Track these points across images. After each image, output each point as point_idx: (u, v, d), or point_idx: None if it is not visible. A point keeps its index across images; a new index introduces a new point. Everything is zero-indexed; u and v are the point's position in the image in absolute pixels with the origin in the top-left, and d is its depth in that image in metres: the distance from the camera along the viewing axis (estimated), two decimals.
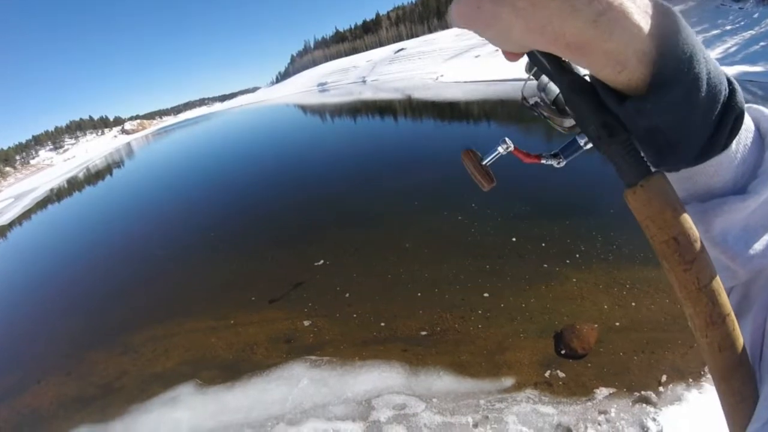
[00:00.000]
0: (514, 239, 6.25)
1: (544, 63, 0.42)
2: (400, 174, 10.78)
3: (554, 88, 0.48)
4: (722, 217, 0.43)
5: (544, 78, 0.47)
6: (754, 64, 24.04)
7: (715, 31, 35.93)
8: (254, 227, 9.86)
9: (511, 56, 0.42)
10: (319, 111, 39.70)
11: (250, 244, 8.90)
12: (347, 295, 5.88)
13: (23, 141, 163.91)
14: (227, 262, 8.15)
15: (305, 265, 6.94)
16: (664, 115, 0.36)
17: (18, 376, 6.67)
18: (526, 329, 4.53)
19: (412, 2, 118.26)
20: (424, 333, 4.82)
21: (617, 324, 4.29)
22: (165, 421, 4.68)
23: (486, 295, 5.20)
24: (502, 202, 7.41)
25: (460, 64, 42.87)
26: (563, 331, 4.34)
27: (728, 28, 36.47)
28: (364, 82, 67.39)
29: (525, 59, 0.44)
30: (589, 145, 0.46)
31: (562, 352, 4.16)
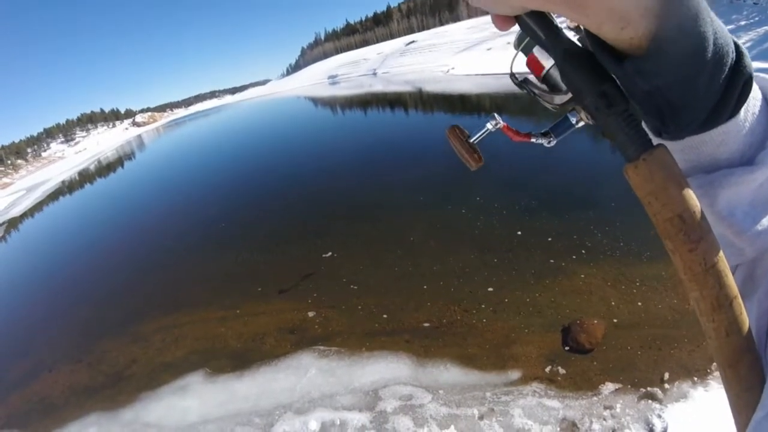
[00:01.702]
0: (520, 233, 6.23)
1: (536, 31, 0.40)
2: (409, 167, 10.74)
3: (545, 63, 0.45)
4: (729, 190, 0.40)
5: (535, 52, 0.45)
6: None
7: (729, 27, 35.24)
8: (264, 219, 9.92)
9: (502, 22, 0.40)
10: (329, 103, 39.57)
11: (259, 235, 8.95)
12: (355, 287, 5.91)
13: (34, 134, 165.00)
14: (237, 253, 8.20)
15: (314, 257, 6.97)
16: (666, 76, 0.34)
17: (30, 364, 6.80)
18: (533, 323, 4.52)
19: None
20: (431, 325, 4.84)
21: (624, 320, 4.27)
22: (174, 409, 4.74)
23: (493, 288, 5.20)
24: (507, 195, 7.40)
25: (471, 56, 42.48)
26: (570, 325, 4.32)
27: (743, 23, 35.85)
28: (374, 74, 67.01)
29: (515, 32, 0.43)
30: (581, 123, 0.44)
31: (569, 346, 4.15)
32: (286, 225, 9.12)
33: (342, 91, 51.16)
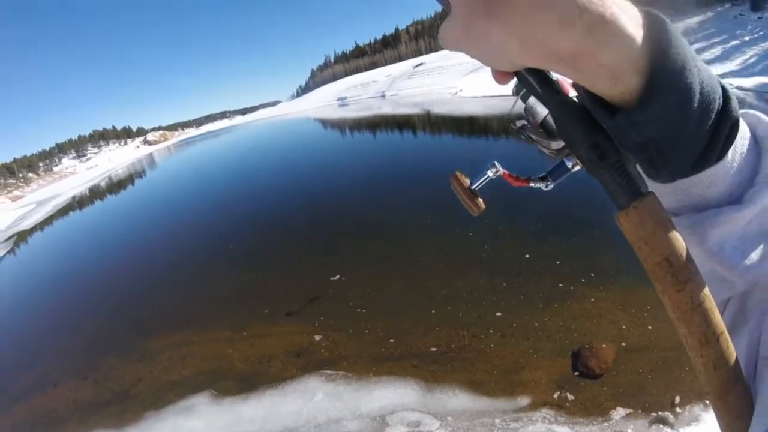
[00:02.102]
0: (528, 256, 6.20)
1: (533, 84, 0.41)
2: (416, 189, 10.77)
3: (541, 111, 0.48)
4: (718, 228, 0.42)
5: (532, 100, 0.48)
6: None
7: (734, 42, 35.32)
8: (273, 240, 9.96)
9: (502, 77, 0.42)
10: (338, 125, 39.98)
11: (268, 256, 8.98)
12: (363, 310, 5.89)
13: (47, 148, 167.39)
14: (246, 275, 8.22)
15: (322, 280, 6.96)
16: (656, 127, 0.36)
17: (36, 376, 6.83)
18: (543, 348, 4.48)
19: (431, 17, 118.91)
20: (439, 350, 4.80)
21: (635, 343, 4.22)
22: (179, 430, 4.71)
23: (501, 312, 5.17)
24: (515, 218, 7.35)
25: (478, 78, 42.83)
26: (580, 350, 4.28)
27: (747, 38, 35.85)
28: (383, 96, 67.71)
29: (513, 82, 0.44)
30: (577, 167, 0.46)
31: (579, 371, 4.10)
32: (294, 246, 9.14)
33: (351, 113, 51.69)
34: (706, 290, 0.38)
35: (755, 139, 0.44)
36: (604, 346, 4.23)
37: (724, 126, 0.37)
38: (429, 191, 10.21)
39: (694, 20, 47.73)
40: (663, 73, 0.34)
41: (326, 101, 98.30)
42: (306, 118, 65.21)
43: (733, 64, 29.58)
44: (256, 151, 36.36)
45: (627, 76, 0.34)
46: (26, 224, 32.74)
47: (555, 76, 0.41)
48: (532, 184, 0.49)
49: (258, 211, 13.17)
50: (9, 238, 27.72)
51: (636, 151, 0.39)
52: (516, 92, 0.47)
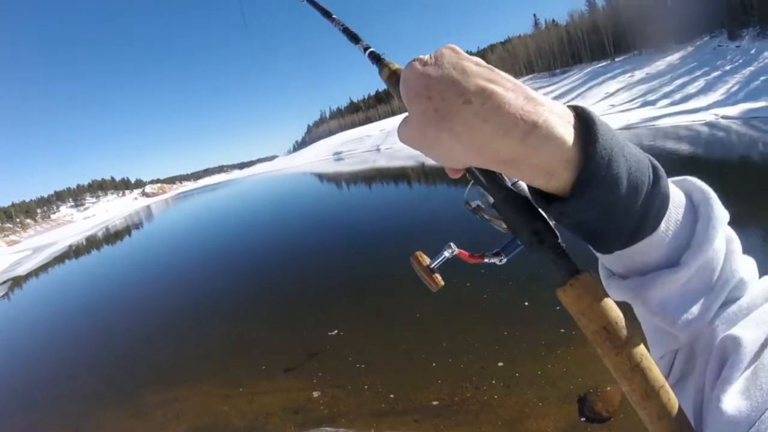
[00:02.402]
0: (526, 303, 6.16)
1: (480, 179, 0.48)
2: (412, 241, 10.77)
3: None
4: (658, 289, 0.45)
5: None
6: (757, 99, 24.26)
7: (716, 73, 36.31)
8: (270, 295, 9.85)
9: (453, 172, 0.47)
10: (334, 179, 40.44)
11: (264, 311, 8.89)
12: (362, 365, 5.78)
13: (45, 195, 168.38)
14: (242, 330, 8.12)
15: (319, 335, 6.85)
16: (586, 214, 0.41)
17: (23, 428, 6.65)
18: (548, 395, 4.38)
19: None
20: (441, 403, 4.68)
21: None
22: None
23: (504, 362, 5.08)
24: (511, 266, 7.32)
25: None
26: (586, 394, 4.20)
27: (728, 68, 36.95)
28: (378, 150, 68.93)
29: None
30: None
31: (586, 416, 4.00)
32: (291, 301, 9.05)
33: (347, 167, 52.45)
34: (643, 350, 0.42)
35: (692, 203, 0.48)
36: (609, 388, 4.15)
37: (653, 203, 0.42)
38: (424, 244, 10.07)
39: (675, 56, 49.26)
40: (590, 168, 0.38)
41: (322, 155, 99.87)
42: (303, 172, 66.00)
43: (717, 95, 30.34)
44: (252, 205, 36.59)
45: (559, 173, 0.39)
46: (22, 270, 32.62)
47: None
48: (486, 260, 0.53)
49: (255, 266, 13.12)
50: (4, 282, 27.49)
51: (574, 231, 0.44)
52: (470, 177, 0.52)
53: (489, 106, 0.38)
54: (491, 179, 0.47)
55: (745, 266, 0.49)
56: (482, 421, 4.29)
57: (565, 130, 0.39)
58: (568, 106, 0.42)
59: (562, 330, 5.26)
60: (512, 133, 0.38)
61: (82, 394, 7.25)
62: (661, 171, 0.42)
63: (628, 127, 25.73)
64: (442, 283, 0.55)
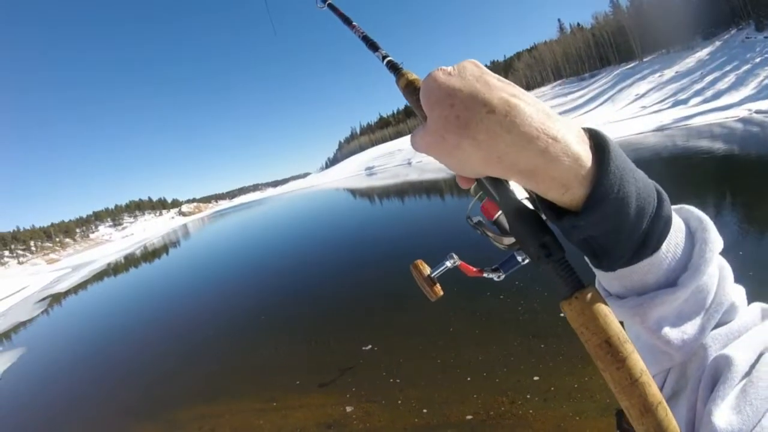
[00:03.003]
0: (561, 315, 5.98)
1: (491, 190, 0.49)
2: (443, 255, 10.69)
3: (496, 212, 0.54)
4: (655, 309, 0.48)
5: (487, 202, 0.54)
6: None
7: (746, 67, 35.28)
8: (304, 311, 9.89)
9: (465, 182, 0.50)
10: (367, 194, 40.62)
11: (299, 327, 8.91)
12: (396, 380, 5.73)
13: (84, 215, 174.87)
14: (276, 345, 8.18)
15: (353, 349, 6.85)
16: (595, 229, 0.42)
17: None
18: (585, 409, 4.25)
19: None
20: (477, 418, 4.58)
21: None
22: None
23: (541, 375, 4.96)
24: (545, 278, 7.16)
25: None
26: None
27: (758, 60, 35.85)
28: (409, 164, 69.31)
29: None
30: (527, 261, 0.51)
31: (624, 429, 3.85)
32: (325, 317, 9.08)
33: (379, 181, 52.81)
34: (643, 366, 0.42)
35: (690, 230, 0.51)
36: None
37: (657, 225, 0.45)
38: (459, 257, 10.07)
39: (704, 52, 48.08)
40: (604, 185, 0.40)
41: (354, 171, 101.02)
42: (335, 188, 66.67)
43: (748, 89, 29.43)
44: (286, 222, 37.00)
45: (575, 187, 0.41)
46: (61, 287, 33.75)
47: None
48: (485, 275, 0.56)
49: (289, 282, 13.22)
50: (43, 299, 28.52)
51: (580, 246, 0.47)
52: (474, 193, 0.55)
53: (512, 118, 0.39)
54: (502, 191, 0.48)
55: (736, 292, 0.52)
56: None
57: (581, 147, 0.41)
58: (582, 128, 0.44)
59: None
60: (533, 145, 0.39)
61: (119, 407, 7.42)
62: (665, 196, 0.46)
63: (661, 128, 25.15)
64: (441, 293, 0.58)
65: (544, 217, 0.48)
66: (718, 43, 47.98)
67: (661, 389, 0.51)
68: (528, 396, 4.69)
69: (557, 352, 5.32)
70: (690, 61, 47.58)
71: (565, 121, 0.42)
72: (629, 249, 0.45)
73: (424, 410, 4.96)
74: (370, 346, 6.83)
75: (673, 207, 0.51)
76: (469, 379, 5.31)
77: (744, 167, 12.45)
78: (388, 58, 0.65)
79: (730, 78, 34.92)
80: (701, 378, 0.49)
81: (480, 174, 0.45)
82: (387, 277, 10.47)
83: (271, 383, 6.63)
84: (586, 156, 0.41)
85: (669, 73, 47.02)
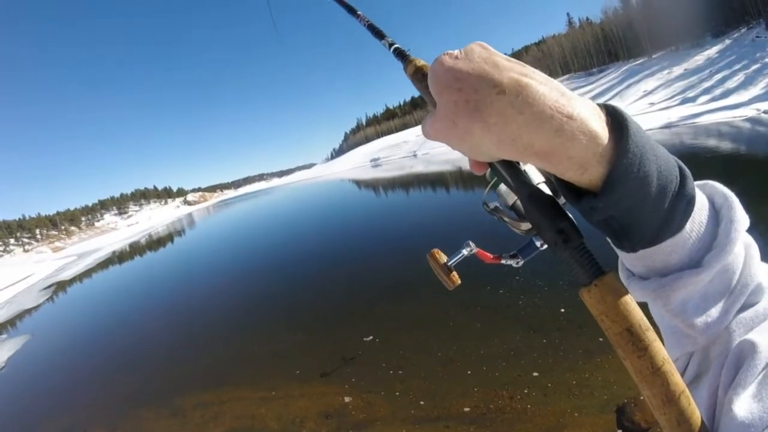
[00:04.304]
0: (563, 310, 6.02)
1: (505, 176, 0.48)
2: (450, 249, 10.67)
3: (512, 195, 0.52)
4: (680, 291, 0.46)
5: (503, 186, 0.52)
6: None
7: (755, 66, 34.85)
8: (306, 301, 9.94)
9: (478, 167, 0.49)
10: (372, 185, 40.52)
11: (301, 317, 8.95)
12: (397, 372, 5.77)
13: (89, 204, 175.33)
14: (278, 335, 8.24)
15: (355, 340, 6.89)
16: (616, 209, 0.41)
17: (64, 424, 6.94)
18: (585, 405, 4.26)
19: None
20: (477, 411, 4.61)
21: None
22: None
23: (541, 370, 4.97)
24: (546, 272, 7.22)
25: None
26: (625, 405, 4.07)
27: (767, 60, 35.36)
28: (415, 156, 69.01)
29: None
30: (545, 246, 0.49)
31: (624, 427, 3.87)
32: (327, 306, 9.13)
33: (384, 173, 52.60)
34: (665, 354, 0.41)
35: (714, 207, 0.49)
36: None
37: (680, 203, 0.43)
38: (458, 248, 10.02)
39: (713, 50, 47.57)
40: (623, 163, 0.39)
41: (360, 162, 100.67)
42: (341, 179, 66.46)
43: (757, 89, 29.11)
44: (290, 212, 37.06)
45: (593, 167, 0.40)
46: (66, 275, 33.92)
47: (523, 165, 0.48)
48: (503, 261, 0.54)
49: (292, 271, 13.28)
50: (48, 286, 28.71)
51: (601, 227, 0.45)
52: (489, 178, 0.53)
53: (523, 98, 0.38)
54: (516, 175, 0.47)
55: (763, 272, 0.50)
56: (517, 430, 4.21)
57: (598, 124, 0.39)
58: (598, 104, 0.42)
59: (601, 339, 5.11)
60: (548, 125, 0.38)
61: (122, 393, 7.51)
62: (688, 173, 0.43)
63: (668, 126, 24.94)
64: (459, 281, 0.56)
65: (561, 201, 0.47)
66: (727, 42, 47.46)
67: (682, 373, 0.52)
68: (528, 390, 4.71)
69: (558, 347, 5.32)
70: (699, 58, 47.11)
71: (581, 99, 0.40)
72: (651, 229, 0.43)
73: (425, 402, 4.99)
74: (371, 337, 6.87)
75: (696, 183, 0.49)
76: (469, 372, 5.33)
77: (751, 167, 12.35)
78: (395, 46, 0.64)
79: (739, 77, 34.53)
80: (724, 363, 0.47)
81: (494, 158, 0.44)
82: (390, 269, 10.51)
83: (273, 372, 6.69)
84: (603, 134, 0.39)
85: (678, 70, 46.57)
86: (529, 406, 4.49)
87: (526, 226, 0.51)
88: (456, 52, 0.43)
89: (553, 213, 0.44)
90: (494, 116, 0.39)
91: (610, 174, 0.39)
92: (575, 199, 0.43)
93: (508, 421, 4.36)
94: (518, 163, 0.47)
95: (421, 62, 0.57)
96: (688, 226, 0.45)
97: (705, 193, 0.49)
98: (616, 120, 0.41)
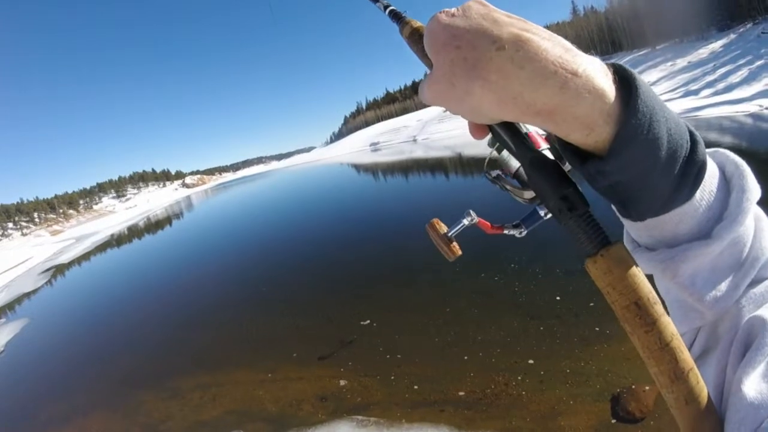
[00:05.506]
0: (558, 298, 6.05)
1: (506, 140, 0.45)
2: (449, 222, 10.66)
3: (515, 163, 0.50)
4: (688, 263, 0.44)
5: (506, 152, 0.50)
6: None
7: (759, 62, 34.59)
8: (304, 284, 9.98)
9: (478, 131, 0.46)
10: (371, 170, 40.43)
11: (299, 300, 8.99)
12: (396, 356, 5.80)
13: (87, 187, 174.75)
14: (276, 318, 8.28)
15: (353, 324, 6.92)
16: (623, 174, 0.38)
17: (65, 406, 6.99)
18: (581, 393, 4.29)
19: None
20: (473, 396, 4.65)
21: None
22: None
23: (538, 357, 5.01)
24: (543, 258, 7.24)
25: None
26: (620, 393, 4.09)
27: None
28: (414, 141, 68.79)
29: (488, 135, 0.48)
30: (549, 215, 0.48)
31: (619, 416, 3.90)
32: (325, 289, 9.18)
33: (384, 157, 52.47)
34: (674, 329, 0.40)
35: (724, 176, 0.47)
36: (645, 388, 4.03)
37: (691, 170, 0.40)
38: (460, 236, 10.03)
39: (718, 44, 47.23)
40: (631, 125, 0.36)
41: (359, 146, 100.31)
42: (340, 163, 66.30)
43: (761, 85, 28.93)
44: (290, 195, 37.09)
45: (600, 127, 0.37)
46: (64, 258, 33.94)
47: (526, 129, 0.45)
48: (506, 231, 0.51)
49: (291, 255, 13.30)
50: (47, 270, 28.73)
51: (607, 194, 0.43)
52: (491, 145, 0.51)
53: (524, 53, 0.36)
54: (518, 140, 0.44)
55: None
56: (513, 416, 4.24)
57: (605, 82, 0.37)
58: (605, 63, 0.40)
59: (597, 327, 5.15)
60: (551, 81, 0.35)
61: (121, 375, 7.57)
62: (699, 137, 0.41)
63: None
64: (460, 252, 0.53)
65: (566, 167, 0.44)
66: (733, 36, 47.04)
67: (689, 348, 0.50)
68: (524, 377, 4.74)
69: (555, 334, 5.35)
70: (703, 51, 46.74)
71: (587, 56, 0.38)
72: (660, 196, 0.41)
73: (422, 386, 5.03)
74: (368, 321, 6.90)
75: (707, 150, 0.45)
76: (465, 357, 5.36)
77: (752, 163, 12.15)
78: (390, 8, 0.60)
79: (743, 72, 34.23)
80: (733, 340, 0.45)
81: (495, 119, 0.41)
82: (389, 253, 10.54)
83: (271, 355, 6.74)
84: (611, 92, 0.37)
85: (681, 62, 46.23)
86: (524, 392, 4.52)
87: (529, 194, 0.49)
88: (453, 9, 0.40)
89: (558, 179, 0.42)
90: (494, 73, 0.36)
91: (618, 135, 0.37)
92: (580, 163, 0.40)
93: (503, 407, 4.39)
94: (520, 126, 0.45)
95: (417, 23, 0.54)
96: (698, 194, 0.43)
97: (716, 161, 0.47)
98: (624, 78, 0.38)
